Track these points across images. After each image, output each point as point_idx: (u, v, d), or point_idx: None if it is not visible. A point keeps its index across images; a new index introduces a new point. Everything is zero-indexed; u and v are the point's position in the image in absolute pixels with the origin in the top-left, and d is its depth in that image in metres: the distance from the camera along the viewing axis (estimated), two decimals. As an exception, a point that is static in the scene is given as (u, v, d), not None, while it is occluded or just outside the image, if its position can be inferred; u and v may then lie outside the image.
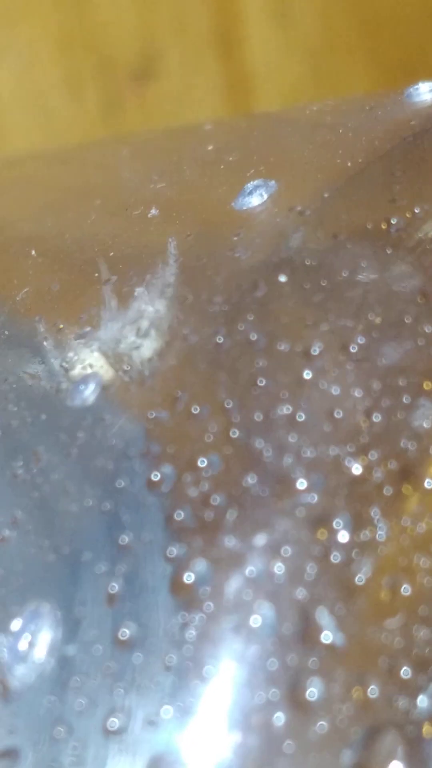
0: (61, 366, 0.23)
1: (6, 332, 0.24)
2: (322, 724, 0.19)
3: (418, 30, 0.81)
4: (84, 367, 0.23)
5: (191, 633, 0.20)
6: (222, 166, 0.27)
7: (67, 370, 0.23)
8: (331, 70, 0.78)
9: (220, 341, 0.22)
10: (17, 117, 0.65)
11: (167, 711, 0.19)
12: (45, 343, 0.24)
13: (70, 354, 0.23)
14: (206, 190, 0.26)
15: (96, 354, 0.23)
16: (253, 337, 0.21)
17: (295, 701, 0.19)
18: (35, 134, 0.66)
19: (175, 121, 0.69)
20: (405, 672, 0.20)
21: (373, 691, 0.19)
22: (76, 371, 0.23)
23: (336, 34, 0.78)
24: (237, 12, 0.73)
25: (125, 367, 0.22)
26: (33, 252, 0.26)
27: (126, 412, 0.22)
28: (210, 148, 0.28)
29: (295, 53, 0.76)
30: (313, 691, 0.19)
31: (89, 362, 0.23)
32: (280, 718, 0.19)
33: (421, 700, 0.20)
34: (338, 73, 0.78)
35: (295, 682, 0.19)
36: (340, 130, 0.26)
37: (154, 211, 0.25)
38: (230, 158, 0.27)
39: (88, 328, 0.23)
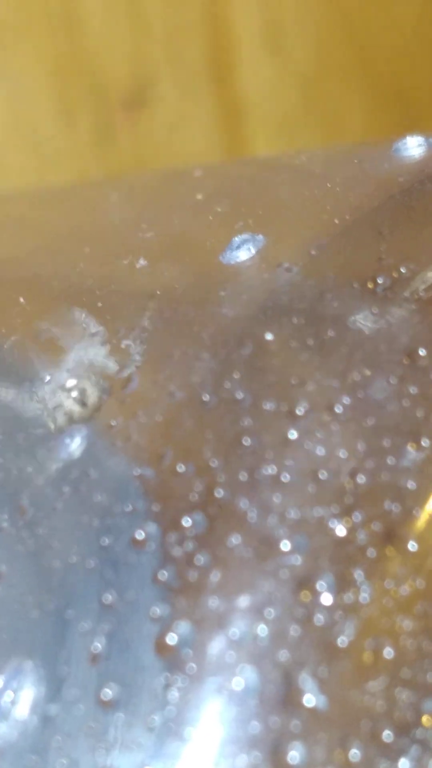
0: (48, 418, 0.23)
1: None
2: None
3: (412, 59, 0.81)
4: (70, 421, 0.23)
5: (174, 694, 0.20)
6: (211, 217, 0.27)
7: (53, 423, 0.23)
8: (325, 99, 0.78)
9: (206, 399, 0.22)
10: (8, 144, 0.65)
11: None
12: (31, 394, 0.24)
13: (57, 407, 0.23)
14: (194, 242, 0.26)
15: (82, 408, 0.23)
16: (239, 395, 0.21)
17: (276, 764, 0.19)
18: (27, 161, 0.66)
19: (167, 149, 0.69)
20: (387, 735, 0.20)
21: (354, 755, 0.19)
22: (63, 424, 0.23)
23: (330, 62, 0.78)
24: (231, 40, 0.73)
25: (112, 422, 0.23)
26: (21, 299, 0.26)
27: (111, 468, 0.22)
28: (199, 197, 0.28)
29: (288, 81, 0.76)
30: (294, 755, 0.19)
31: (76, 415, 0.23)
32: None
33: (403, 764, 0.20)
34: (332, 101, 0.79)
35: (276, 745, 0.19)
36: (328, 184, 0.26)
37: (142, 262, 0.25)
38: (219, 209, 0.27)
39: (74, 381, 0.23)
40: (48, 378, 0.24)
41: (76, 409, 0.23)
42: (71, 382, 0.23)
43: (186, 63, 0.71)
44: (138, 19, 0.69)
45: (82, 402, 0.23)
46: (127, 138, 0.69)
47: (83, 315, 0.24)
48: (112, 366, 0.23)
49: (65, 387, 0.23)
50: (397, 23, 0.80)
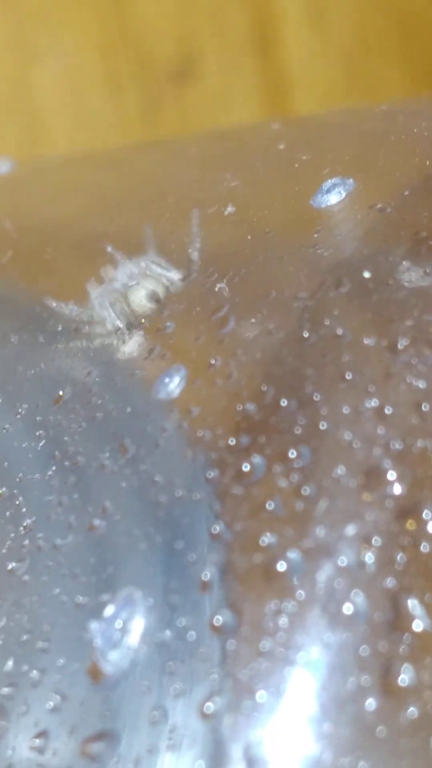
0: (146, 359, 0.24)
1: (87, 327, 0.25)
2: (412, 710, 0.19)
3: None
4: (169, 360, 0.24)
5: (284, 620, 0.20)
6: (296, 165, 0.27)
7: (151, 363, 0.24)
8: (367, 73, 0.78)
9: (306, 336, 0.22)
10: (59, 119, 0.66)
11: (262, 696, 0.20)
12: (126, 337, 0.24)
13: (154, 347, 0.24)
14: (282, 188, 0.27)
15: (180, 348, 0.24)
16: (339, 331, 0.22)
17: (387, 687, 0.19)
18: (77, 135, 0.66)
19: (213, 122, 0.69)
20: None
21: (463, 678, 0.20)
22: (162, 364, 0.24)
23: (371, 36, 0.78)
24: (274, 14, 0.73)
25: (212, 361, 0.23)
26: (109, 248, 0.27)
27: (213, 404, 0.22)
28: (281, 147, 0.29)
29: (331, 55, 0.76)
30: (404, 678, 0.19)
31: (174, 356, 0.24)
32: (371, 703, 0.19)
33: None
34: (374, 75, 0.79)
35: (387, 669, 0.20)
36: (415, 129, 0.26)
37: (230, 209, 0.26)
38: (304, 157, 0.27)
39: (171, 323, 0.24)
40: (143, 321, 0.24)
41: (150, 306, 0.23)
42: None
43: (230, 37, 0.72)
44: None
45: (156, 300, 0.23)
46: (173, 111, 0.69)
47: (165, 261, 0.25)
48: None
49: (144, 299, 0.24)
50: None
